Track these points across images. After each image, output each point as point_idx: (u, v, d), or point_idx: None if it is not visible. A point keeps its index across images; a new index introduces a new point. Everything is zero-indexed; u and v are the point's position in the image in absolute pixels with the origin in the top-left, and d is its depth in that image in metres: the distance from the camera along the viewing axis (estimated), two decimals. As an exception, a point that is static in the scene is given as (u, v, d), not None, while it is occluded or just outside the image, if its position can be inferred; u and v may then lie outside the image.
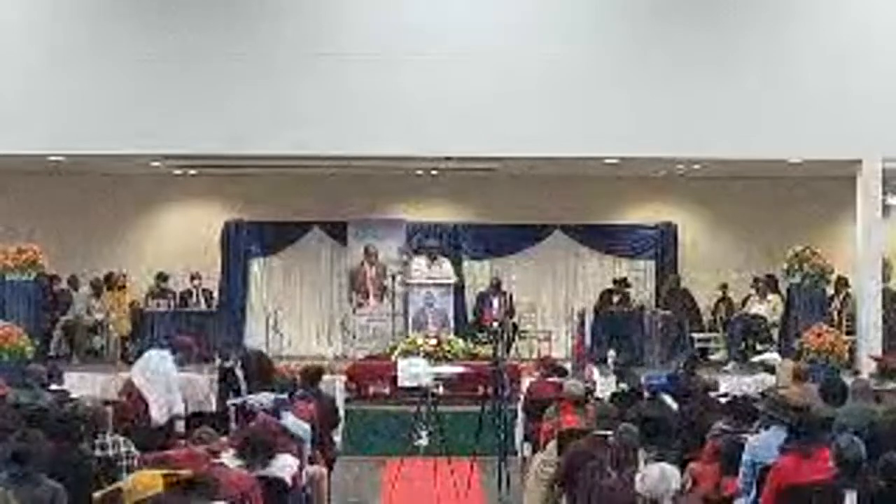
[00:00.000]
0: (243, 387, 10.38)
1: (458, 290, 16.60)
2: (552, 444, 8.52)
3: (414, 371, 12.57)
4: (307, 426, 8.83)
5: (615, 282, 16.67)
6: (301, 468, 7.85)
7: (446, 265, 15.68)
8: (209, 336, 15.31)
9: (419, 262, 15.95)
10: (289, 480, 7.17)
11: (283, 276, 17.50)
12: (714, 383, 9.75)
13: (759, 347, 15.07)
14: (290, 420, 8.62)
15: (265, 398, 8.91)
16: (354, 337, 16.24)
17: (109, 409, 8.02)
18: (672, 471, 5.92)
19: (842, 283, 15.25)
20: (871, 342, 13.89)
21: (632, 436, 6.75)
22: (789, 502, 6.70)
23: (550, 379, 10.80)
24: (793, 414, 7.06)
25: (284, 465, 7.24)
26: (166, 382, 8.55)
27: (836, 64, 13.98)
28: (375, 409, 13.00)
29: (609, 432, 7.41)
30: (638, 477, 5.90)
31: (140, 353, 15.12)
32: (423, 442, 11.84)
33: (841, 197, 15.03)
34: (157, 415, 8.88)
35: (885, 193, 14.46)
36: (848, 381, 9.51)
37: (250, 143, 13.85)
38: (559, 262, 17.54)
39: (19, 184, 16.23)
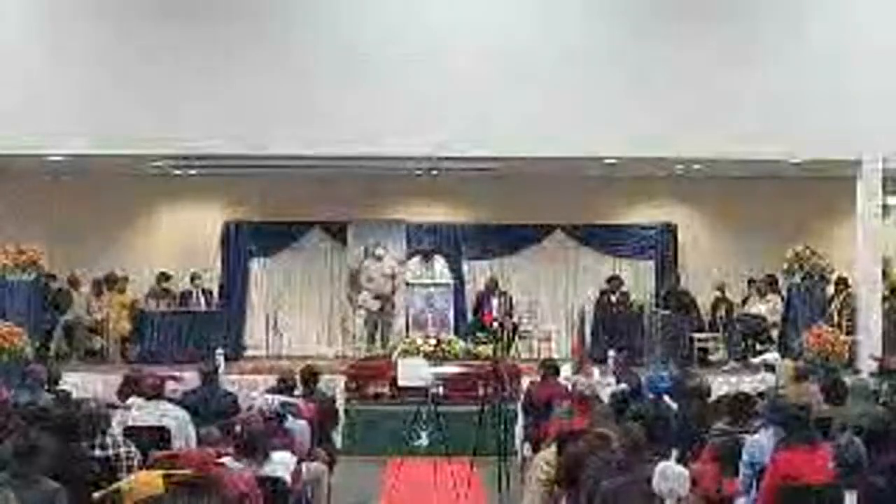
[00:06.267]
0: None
1: (458, 290, 16.63)
2: (553, 444, 8.51)
3: (414, 371, 12.58)
4: (305, 423, 8.85)
5: (609, 280, 16.72)
6: (300, 467, 7.84)
7: (439, 265, 15.69)
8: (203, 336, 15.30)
9: (413, 263, 15.96)
10: (288, 480, 7.17)
11: (283, 276, 17.50)
12: (707, 388, 9.61)
13: (759, 347, 15.08)
14: (289, 419, 8.63)
15: (266, 398, 8.91)
16: (354, 337, 16.27)
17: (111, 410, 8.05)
18: (681, 471, 5.91)
19: (842, 283, 15.26)
20: (871, 342, 13.90)
21: (639, 435, 6.72)
22: (788, 502, 6.71)
23: (550, 379, 10.80)
24: (793, 412, 7.05)
25: (283, 464, 7.23)
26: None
27: (836, 64, 14.00)
28: (375, 409, 12.99)
29: (609, 431, 7.41)
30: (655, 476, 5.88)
31: (140, 354, 15.31)
32: (423, 442, 11.86)
33: (841, 197, 15.03)
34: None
35: (885, 193, 14.47)
36: (848, 380, 9.52)
37: (251, 143, 13.86)
38: (559, 262, 17.54)
39: (19, 183, 16.23)
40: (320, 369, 10.80)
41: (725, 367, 15.10)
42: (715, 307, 16.75)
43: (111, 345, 15.79)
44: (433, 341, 14.05)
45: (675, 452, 7.49)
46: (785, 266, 14.43)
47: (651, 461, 6.37)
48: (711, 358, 16.12)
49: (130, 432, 8.00)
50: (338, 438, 11.05)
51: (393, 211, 17.09)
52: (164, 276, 16.16)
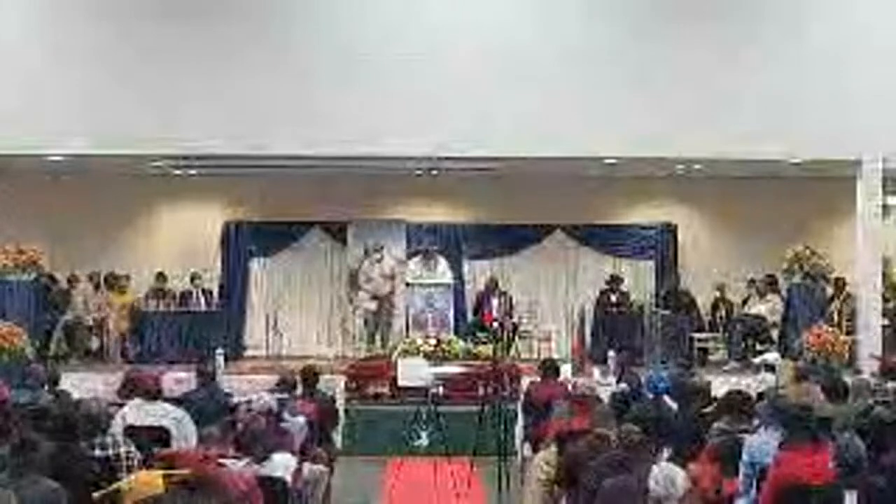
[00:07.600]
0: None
1: (458, 290, 16.63)
2: (553, 444, 8.50)
3: (414, 371, 12.58)
4: (302, 419, 8.85)
5: (609, 280, 16.72)
6: (300, 467, 7.84)
7: (441, 266, 15.67)
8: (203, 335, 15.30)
9: (413, 263, 15.95)
10: (288, 480, 7.16)
11: (283, 276, 17.50)
12: (707, 388, 9.61)
13: (759, 347, 15.08)
14: (286, 417, 8.64)
15: (267, 398, 8.90)
16: (354, 337, 16.26)
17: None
18: (677, 472, 5.90)
19: (841, 283, 15.26)
20: (871, 342, 13.90)
21: (638, 435, 6.72)
22: (789, 502, 6.70)
23: (550, 379, 10.79)
24: (795, 412, 7.04)
25: (283, 464, 7.23)
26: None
27: (836, 64, 14.00)
28: (375, 409, 12.99)
29: (609, 432, 7.41)
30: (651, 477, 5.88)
31: (140, 354, 15.31)
32: (423, 442, 11.85)
33: (841, 197, 15.04)
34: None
35: (885, 193, 14.47)
36: (849, 380, 9.52)
37: (251, 143, 13.86)
38: (559, 262, 17.54)
39: (19, 183, 16.23)
40: (320, 369, 10.80)
41: (725, 367, 15.09)
42: (715, 307, 16.75)
43: (111, 345, 15.79)
44: (433, 341, 14.05)
45: (667, 453, 7.48)
46: (785, 266, 14.43)
47: (651, 461, 6.37)
48: (711, 358, 16.12)
49: (130, 432, 8.00)
50: (338, 438, 11.04)
51: (393, 211, 17.08)
52: (161, 277, 16.15)
